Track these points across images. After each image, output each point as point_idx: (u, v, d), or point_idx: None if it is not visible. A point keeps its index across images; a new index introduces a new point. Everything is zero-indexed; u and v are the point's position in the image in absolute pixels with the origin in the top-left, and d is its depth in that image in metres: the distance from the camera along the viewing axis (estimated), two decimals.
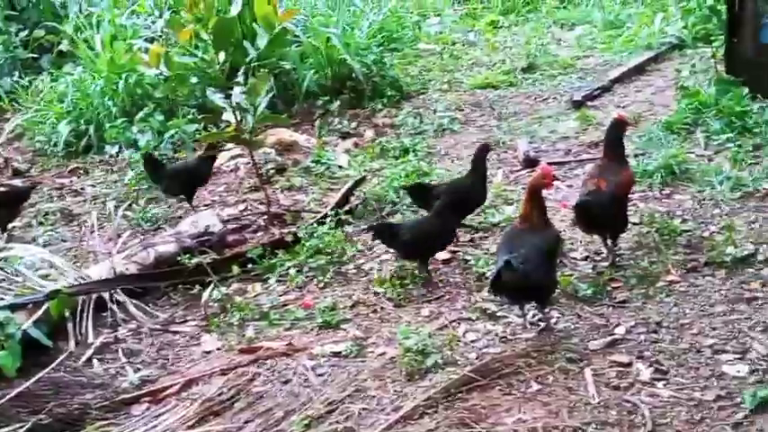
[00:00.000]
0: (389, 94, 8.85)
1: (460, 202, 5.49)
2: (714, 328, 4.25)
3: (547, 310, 4.49)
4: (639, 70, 9.04)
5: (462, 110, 8.55)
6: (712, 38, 8.87)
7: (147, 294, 5.52)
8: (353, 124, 8.31)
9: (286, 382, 4.32)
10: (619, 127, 5.24)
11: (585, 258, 5.23)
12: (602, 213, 4.91)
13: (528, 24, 11.71)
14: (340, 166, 7.27)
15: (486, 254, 5.35)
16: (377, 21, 9.95)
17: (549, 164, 6.73)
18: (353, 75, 8.81)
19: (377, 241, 5.59)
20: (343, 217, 6.14)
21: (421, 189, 5.92)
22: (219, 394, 4.31)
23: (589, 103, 8.21)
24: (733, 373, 3.90)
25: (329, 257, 5.61)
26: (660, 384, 3.91)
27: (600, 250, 5.21)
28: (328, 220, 5.97)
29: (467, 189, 5.67)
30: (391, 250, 5.44)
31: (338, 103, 8.63)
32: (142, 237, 6.35)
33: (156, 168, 6.80)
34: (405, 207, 6.27)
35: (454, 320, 4.75)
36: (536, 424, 3.76)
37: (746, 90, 7.15)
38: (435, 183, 6.16)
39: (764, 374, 3.79)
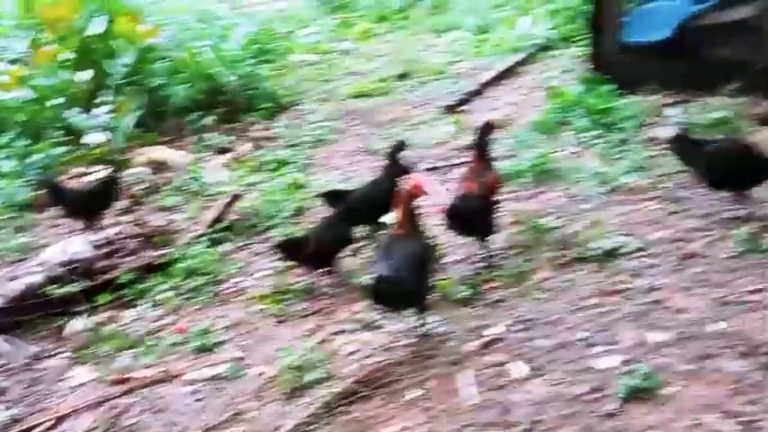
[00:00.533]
0: (265, 106, 8.78)
1: (368, 207, 5.47)
2: (585, 322, 4.33)
3: (425, 315, 4.49)
4: (509, 73, 9.25)
5: (339, 119, 8.54)
6: (578, 38, 9.19)
7: (18, 328, 5.26)
8: (229, 138, 8.19)
9: (161, 411, 4.18)
10: (485, 131, 5.31)
11: (461, 261, 5.27)
12: (471, 216, 4.97)
13: (402, 32, 11.83)
14: (215, 183, 7.13)
15: (365, 263, 5.33)
16: (250, 33, 9.85)
17: (426, 170, 6.82)
18: (227, 88, 8.67)
19: (257, 257, 5.49)
20: (220, 235, 6.01)
21: (336, 195, 5.83)
22: (92, 429, 4.13)
23: (461, 108, 8.33)
24: (605, 364, 3.98)
25: (205, 278, 5.48)
26: (536, 381, 3.96)
27: (475, 252, 5.26)
28: (204, 238, 5.83)
29: (373, 193, 5.61)
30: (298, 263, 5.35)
31: (213, 117, 8.49)
32: (8, 268, 6.04)
33: (56, 192, 6.49)
34: (284, 220, 6.20)
35: (335, 333, 4.70)
36: (418, 430, 3.75)
37: (611, 87, 7.40)
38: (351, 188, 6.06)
39: (633, 364, 3.88)
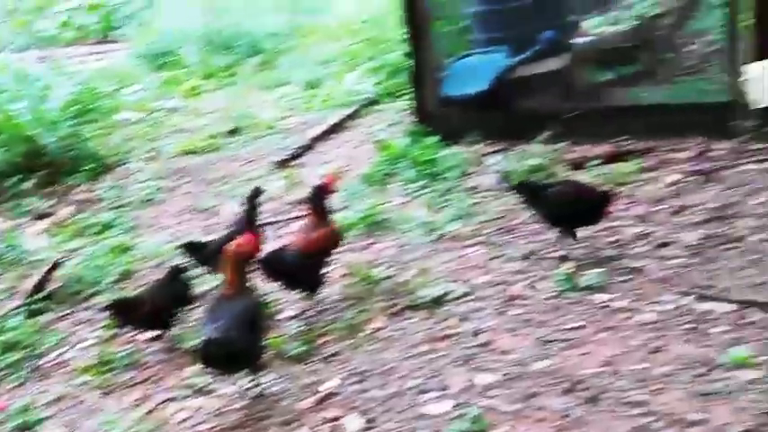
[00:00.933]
0: (89, 167, 8.47)
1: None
2: (417, 369, 4.38)
3: (258, 375, 4.40)
4: (339, 127, 9.38)
5: (167, 177, 8.36)
6: (402, 92, 9.47)
7: None
8: (50, 202, 7.85)
9: None
10: (319, 192, 5.34)
11: (294, 317, 5.23)
12: (284, 271, 5.00)
13: (230, 88, 11.79)
14: (35, 250, 6.77)
15: (193, 325, 5.19)
16: (71, 92, 9.51)
17: (258, 226, 6.76)
18: (46, 150, 8.32)
19: (80, 326, 5.24)
20: (40, 305, 5.71)
21: (194, 247, 5.64)
22: None
23: (293, 163, 8.36)
24: (437, 410, 4.02)
25: (24, 351, 5.17)
26: None
27: (308, 307, 5.23)
28: (22, 309, 5.51)
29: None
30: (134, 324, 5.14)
31: (32, 181, 8.11)
32: None
33: None
34: (109, 286, 5.96)
35: (165, 401, 4.53)
36: None
37: (435, 139, 7.65)
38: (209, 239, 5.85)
39: (463, 408, 3.95)
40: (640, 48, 9.86)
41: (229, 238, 5.44)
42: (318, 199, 5.33)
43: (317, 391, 4.36)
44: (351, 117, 9.67)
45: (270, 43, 13.42)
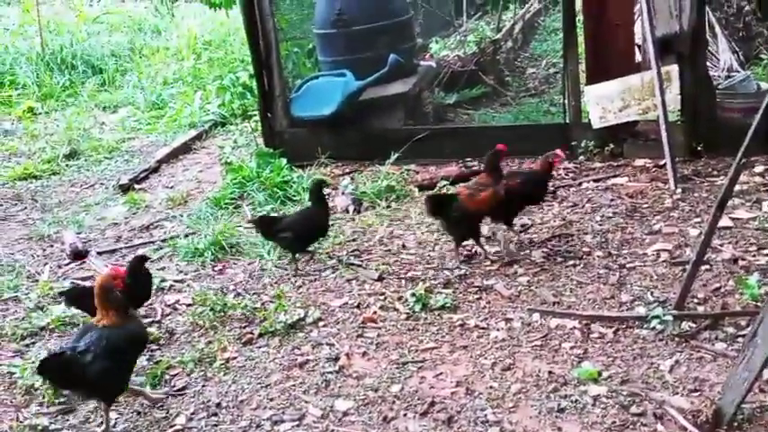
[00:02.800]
0: None
1: None
2: (272, 399, 4.26)
3: (107, 410, 4.15)
4: (186, 149, 9.13)
5: (0, 205, 7.86)
6: (250, 113, 9.33)
7: None
8: None
9: None
10: (495, 155, 5.72)
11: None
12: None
13: (69, 109, 11.25)
14: None
15: (32, 363, 4.84)
16: None
17: (99, 253, 6.45)
18: None
19: None
20: None
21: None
22: None
23: (137, 186, 8.05)
24: None
25: None
26: None
27: (156, 339, 5.01)
28: None
29: None
30: None
31: None
32: None
33: None
34: None
35: None
36: None
37: (285, 161, 7.55)
38: None
39: None
40: (484, 70, 10.18)
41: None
42: (494, 160, 5.65)
43: (168, 427, 4.15)
44: (198, 138, 9.43)
45: (111, 63, 12.94)
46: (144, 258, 5.23)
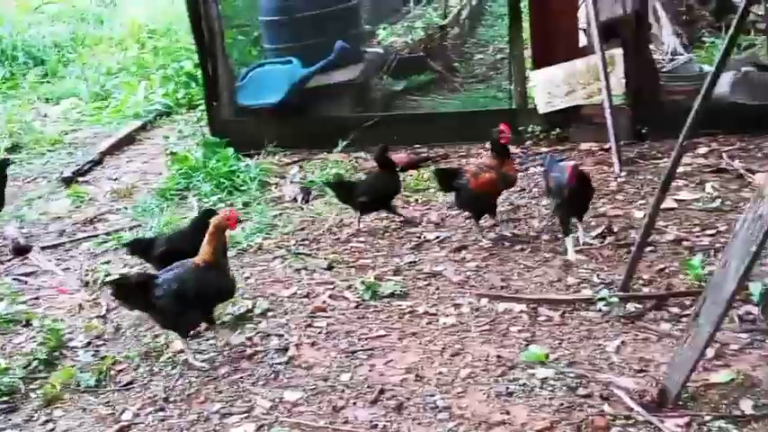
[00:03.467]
0: None
1: None
2: (220, 392, 4.20)
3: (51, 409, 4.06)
4: (130, 140, 9.00)
5: None
6: (195, 102, 9.21)
7: None
8: None
9: None
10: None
11: (88, 345, 4.89)
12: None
13: (10, 101, 10.99)
14: None
15: None
16: None
17: (43, 248, 6.32)
18: None
19: None
20: None
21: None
22: None
23: (81, 179, 7.90)
24: None
25: None
26: None
27: (101, 334, 4.93)
28: None
29: None
30: None
31: None
32: None
33: None
34: None
35: None
36: None
37: (231, 150, 7.47)
38: None
39: (268, 428, 3.83)
40: (432, 57, 10.18)
41: None
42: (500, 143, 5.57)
43: (115, 423, 4.08)
44: (143, 129, 9.30)
45: (53, 54, 12.67)
46: None
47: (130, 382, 4.43)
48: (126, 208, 6.90)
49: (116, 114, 9.85)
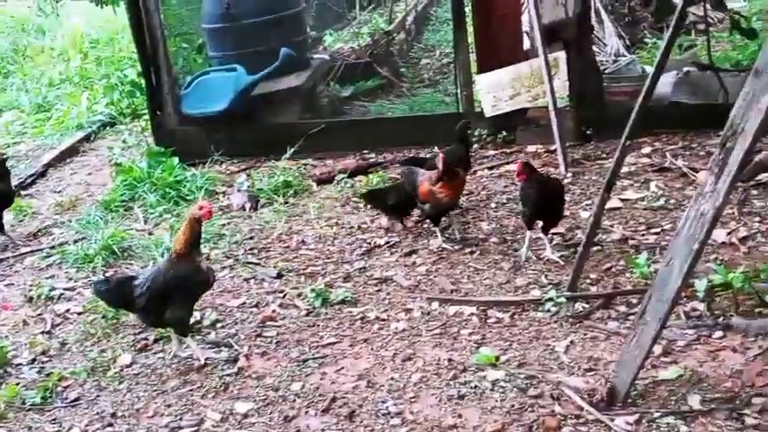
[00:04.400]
0: None
1: None
2: (169, 406, 4.14)
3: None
4: (74, 152, 8.83)
5: None
6: (139, 112, 9.08)
7: None
8: None
9: None
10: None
11: (33, 361, 4.78)
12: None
13: None
14: None
15: None
16: None
17: None
18: None
19: None
20: None
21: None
22: None
23: (23, 192, 7.72)
24: None
25: None
26: None
27: (46, 350, 4.82)
28: None
29: None
30: None
31: None
32: None
33: None
34: None
35: None
36: None
37: (176, 160, 7.37)
38: None
39: None
40: (378, 62, 10.20)
41: None
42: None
43: None
44: (86, 140, 9.13)
45: None
46: None
47: (77, 399, 4.34)
48: (70, 221, 6.76)
49: (59, 126, 9.65)
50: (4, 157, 7.05)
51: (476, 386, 3.98)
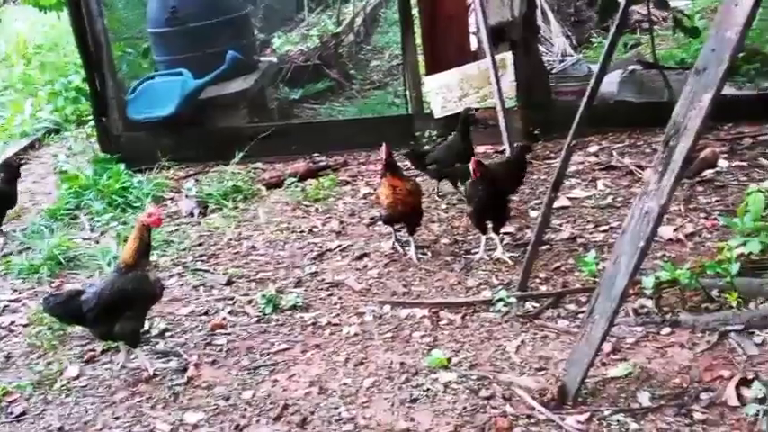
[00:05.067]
0: None
1: None
2: (117, 418, 4.06)
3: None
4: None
5: None
6: (85, 118, 8.93)
7: None
8: None
9: None
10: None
11: None
12: None
13: None
14: None
15: None
16: None
17: None
18: None
19: None
20: None
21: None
22: None
23: None
24: None
25: None
26: None
27: None
28: None
29: None
30: None
31: None
32: None
33: None
34: None
35: None
36: None
37: (123, 166, 7.26)
38: None
39: None
40: (327, 64, 10.17)
41: None
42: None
43: None
44: (31, 148, 8.95)
45: None
46: None
47: (23, 413, 4.24)
48: (14, 231, 6.61)
49: (2, 134, 9.45)
50: (21, 162, 7.16)
51: (428, 389, 3.98)
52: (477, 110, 6.73)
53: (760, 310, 4.22)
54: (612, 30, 4.45)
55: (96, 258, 5.86)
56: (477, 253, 5.34)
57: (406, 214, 5.41)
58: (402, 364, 4.23)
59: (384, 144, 5.35)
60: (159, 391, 4.24)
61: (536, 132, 7.20)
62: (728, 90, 7.32)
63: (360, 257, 5.58)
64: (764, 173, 6.03)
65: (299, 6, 12.37)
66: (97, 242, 6.25)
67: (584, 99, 4.48)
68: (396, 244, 5.59)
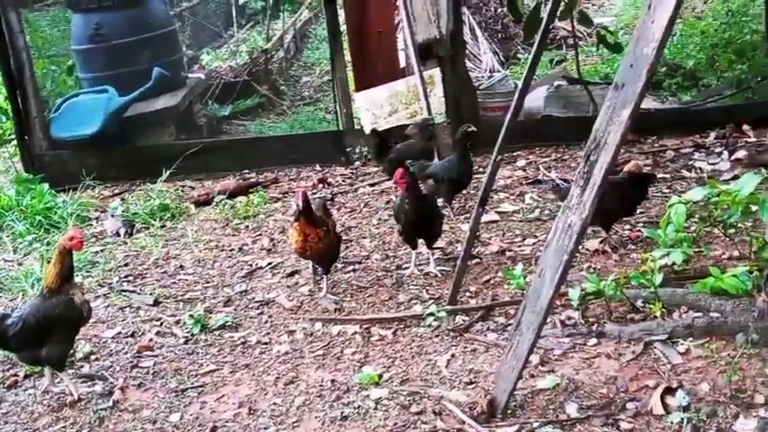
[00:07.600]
0: None
1: None
2: None
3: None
4: None
5: None
6: (6, 137, 8.72)
7: None
8: None
9: None
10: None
11: None
12: None
13: None
14: None
15: None
16: None
17: None
18: None
19: None
20: None
21: None
22: None
23: None
24: None
25: None
26: None
27: None
28: None
29: None
30: None
31: None
32: None
33: None
34: None
35: None
36: None
37: (46, 186, 7.09)
38: None
39: None
40: (257, 80, 10.12)
41: None
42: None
43: None
44: None
45: None
46: None
47: None
48: None
49: None
50: None
51: (359, 406, 3.95)
52: (406, 126, 6.77)
53: (683, 320, 4.31)
54: (535, 46, 4.52)
55: (20, 281, 5.70)
56: (408, 268, 5.36)
57: (316, 258, 5.24)
58: (333, 381, 4.20)
59: (300, 191, 5.06)
60: (84, 416, 4.13)
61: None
62: (651, 104, 7.55)
63: (291, 275, 5.55)
64: (687, 185, 6.19)
65: (228, 22, 12.29)
66: (20, 264, 6.07)
67: (509, 114, 4.54)
68: (315, 276, 5.48)
